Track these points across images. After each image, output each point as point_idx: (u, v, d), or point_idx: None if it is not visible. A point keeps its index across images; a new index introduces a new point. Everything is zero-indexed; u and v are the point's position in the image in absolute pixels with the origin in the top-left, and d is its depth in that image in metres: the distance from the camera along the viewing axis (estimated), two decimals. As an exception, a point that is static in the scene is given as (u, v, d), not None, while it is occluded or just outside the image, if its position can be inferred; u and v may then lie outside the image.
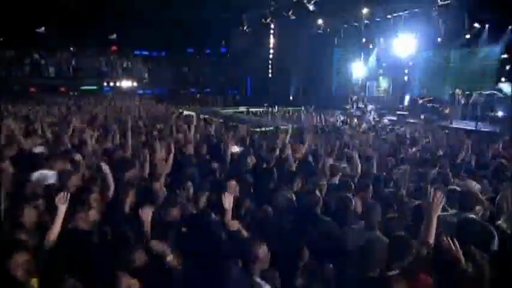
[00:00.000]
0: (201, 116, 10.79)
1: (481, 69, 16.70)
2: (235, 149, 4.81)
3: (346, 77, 21.86)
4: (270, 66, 21.86)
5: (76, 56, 21.94)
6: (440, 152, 7.53)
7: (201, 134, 6.56)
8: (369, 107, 15.86)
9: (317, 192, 2.83)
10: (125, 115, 8.44)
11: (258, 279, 2.03)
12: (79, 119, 7.00)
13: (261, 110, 17.63)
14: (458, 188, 4.38)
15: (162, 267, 2.10)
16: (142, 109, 12.10)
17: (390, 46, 19.27)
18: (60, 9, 18.48)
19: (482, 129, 12.65)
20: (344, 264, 2.32)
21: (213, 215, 2.59)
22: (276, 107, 17.18)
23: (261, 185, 3.55)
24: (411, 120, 14.74)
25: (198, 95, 25.19)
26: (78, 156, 3.88)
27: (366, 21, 16.73)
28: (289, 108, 17.58)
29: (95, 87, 21.98)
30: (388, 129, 11.60)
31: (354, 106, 19.17)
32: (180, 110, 13.76)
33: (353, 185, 3.70)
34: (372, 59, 21.05)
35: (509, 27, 14.99)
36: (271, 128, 9.50)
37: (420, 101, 17.33)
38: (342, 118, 14.37)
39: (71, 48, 21.84)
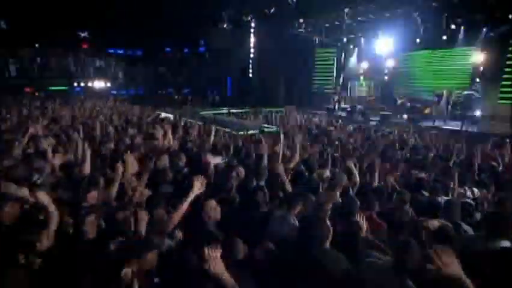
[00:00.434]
0: (179, 119, 10.08)
1: (457, 70, 17.00)
2: (217, 160, 4.17)
3: (327, 77, 21.71)
4: (250, 66, 21.29)
5: (42, 54, 20.31)
6: (431, 155, 7.26)
7: (179, 141, 5.88)
8: (358, 107, 15.55)
9: (324, 218, 2.27)
10: (93, 119, 7.60)
11: None
12: (39, 124, 6.14)
13: (243, 111, 17.05)
14: (469, 200, 4.03)
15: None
16: (115, 112, 11.20)
17: (371, 46, 19.39)
18: (25, 2, 17.01)
19: (467, 129, 12.73)
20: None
21: (194, 257, 1.96)
22: (258, 108, 16.67)
23: (250, 206, 2.96)
24: (395, 121, 14.65)
25: (177, 96, 24.26)
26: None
27: (348, 21, 16.49)
28: (272, 109, 17.12)
29: (64, 88, 20.51)
30: (373, 130, 11.34)
31: (337, 106, 19.01)
32: (157, 113, 12.95)
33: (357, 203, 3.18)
34: (353, 59, 21.04)
35: (484, 29, 15.22)
36: (255, 131, 8.93)
37: (399, 101, 17.41)
38: (325, 119, 14.04)
39: (36, 45, 20.20)
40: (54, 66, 20.26)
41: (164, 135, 5.63)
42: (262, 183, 3.64)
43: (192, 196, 2.54)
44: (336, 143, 7.49)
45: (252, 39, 20.53)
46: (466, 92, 15.50)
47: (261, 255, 2.08)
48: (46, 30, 17.80)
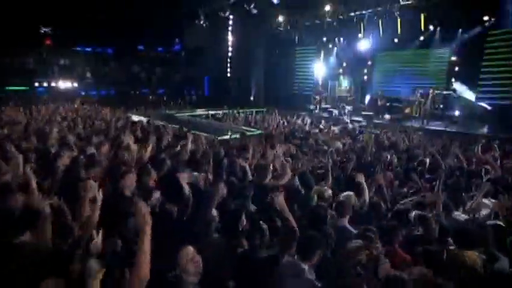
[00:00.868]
0: (152, 122, 9.20)
1: (434, 70, 17.10)
2: (194, 177, 3.43)
3: (307, 77, 21.35)
4: (229, 65, 20.51)
5: (-1, 50, 18.32)
6: (427, 159, 6.87)
7: (151, 150, 5.06)
8: (347, 108, 15.15)
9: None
10: (52, 125, 6.61)
11: None
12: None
13: (222, 112, 16.27)
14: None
15: None
16: (81, 115, 10.14)
17: (351, 45, 19.22)
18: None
19: (450, 130, 12.66)
20: None
21: None
22: (238, 109, 15.96)
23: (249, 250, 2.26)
24: (378, 121, 14.43)
25: (151, 97, 23.06)
26: None
27: (328, 19, 16.12)
28: (252, 110, 16.49)
29: (24, 88, 18.76)
30: (358, 132, 10.96)
31: (318, 106, 18.65)
32: (128, 115, 11.95)
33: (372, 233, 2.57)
34: (333, 58, 20.80)
35: (460, 30, 15.33)
36: (236, 135, 8.22)
37: (380, 102, 17.31)
38: (309, 120, 13.54)
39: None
40: (12, 64, 18.30)
41: (136, 143, 4.83)
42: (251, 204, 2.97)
43: (146, 241, 1.79)
44: (326, 147, 6.94)
45: (230, 37, 19.74)
46: (445, 92, 15.59)
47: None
48: (4, 25, 16.12)
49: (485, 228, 2.74)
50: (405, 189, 4.75)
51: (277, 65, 20.50)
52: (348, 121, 13.16)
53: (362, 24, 16.63)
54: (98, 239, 1.97)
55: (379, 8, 14.32)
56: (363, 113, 15.40)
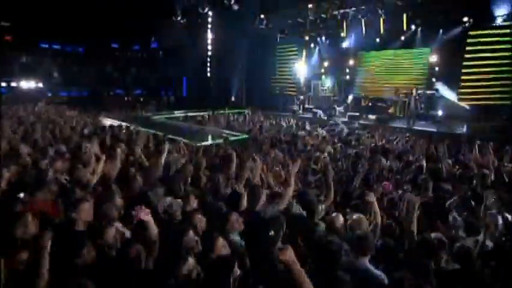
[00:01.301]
0: (124, 127, 8.30)
1: (415, 70, 17.07)
2: (167, 202, 2.70)
3: (290, 77, 20.85)
4: (208, 64, 19.66)
5: None
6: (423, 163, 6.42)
7: (120, 163, 4.24)
8: (338, 109, 14.69)
9: None
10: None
11: None
12: None
13: (202, 113, 15.45)
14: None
15: None
16: (45, 119, 9.07)
17: (333, 44, 18.92)
18: None
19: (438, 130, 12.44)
20: None
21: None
22: (219, 111, 15.21)
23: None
24: (364, 122, 14.06)
25: (126, 98, 21.84)
26: None
27: (311, 18, 15.63)
28: (234, 111, 15.81)
29: (-18, 88, 16.99)
30: (345, 134, 10.49)
31: (301, 107, 18.19)
32: (99, 119, 10.96)
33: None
34: (315, 57, 20.42)
35: (440, 30, 15.33)
36: (219, 140, 7.51)
37: (364, 102, 17.09)
38: (294, 122, 13.00)
39: None
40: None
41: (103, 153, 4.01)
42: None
43: None
44: (318, 154, 6.34)
45: (210, 35, 18.88)
46: (429, 92, 15.49)
47: None
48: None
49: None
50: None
51: (259, 64, 19.88)
52: (340, 123, 12.66)
53: (345, 23, 16.34)
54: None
55: (363, 7, 13.97)
56: (348, 113, 15.03)
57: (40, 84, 18.69)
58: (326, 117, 14.17)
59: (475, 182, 5.51)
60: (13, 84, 17.95)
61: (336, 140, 8.76)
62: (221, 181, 3.46)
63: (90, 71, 21.83)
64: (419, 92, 15.63)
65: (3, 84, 17.55)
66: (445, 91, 15.59)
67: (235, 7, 14.14)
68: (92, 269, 2.01)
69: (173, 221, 2.57)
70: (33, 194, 3.07)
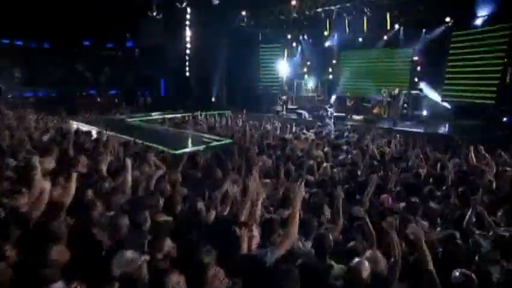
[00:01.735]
0: (91, 131, 7.37)
1: (399, 69, 17.03)
2: (131, 254, 1.91)
3: (273, 76, 20.28)
4: (187, 63, 18.69)
5: None
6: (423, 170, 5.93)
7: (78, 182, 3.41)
8: (329, 110, 14.17)
9: None
10: None
11: None
12: None
13: (180, 115, 14.56)
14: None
15: None
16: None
17: (316, 43, 18.58)
18: None
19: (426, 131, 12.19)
20: None
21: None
22: (199, 112, 14.36)
23: None
24: (350, 123, 13.66)
25: (99, 99, 20.51)
26: None
27: (294, 15, 15.07)
28: (214, 112, 15.01)
29: None
30: (333, 136, 9.95)
31: (284, 107, 17.65)
32: (66, 122, 9.89)
33: None
34: (297, 56, 19.98)
35: (423, 30, 15.21)
36: (200, 147, 6.74)
37: (349, 102, 16.82)
38: (279, 124, 12.34)
39: None
40: None
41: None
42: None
43: None
44: (312, 162, 5.69)
45: (188, 32, 17.93)
46: (413, 92, 15.36)
47: None
48: None
49: None
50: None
51: (241, 63, 19.21)
52: (333, 126, 12.10)
53: (328, 22, 15.97)
54: None
55: (348, 4, 13.53)
56: (334, 114, 14.60)
57: (-1, 85, 17.02)
58: (317, 119, 13.56)
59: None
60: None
61: (325, 144, 8.19)
62: (201, 208, 2.74)
63: (59, 70, 20.31)
64: (404, 91, 15.54)
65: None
66: (429, 91, 15.57)
67: (215, 2, 13.31)
68: None
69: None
70: None
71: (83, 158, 4.32)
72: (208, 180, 4.14)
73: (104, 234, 2.36)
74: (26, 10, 16.33)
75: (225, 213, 2.73)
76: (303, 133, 9.65)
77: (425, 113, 15.15)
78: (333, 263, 2.24)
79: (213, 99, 20.02)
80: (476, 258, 2.73)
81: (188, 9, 17.38)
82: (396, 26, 15.60)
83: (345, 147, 7.26)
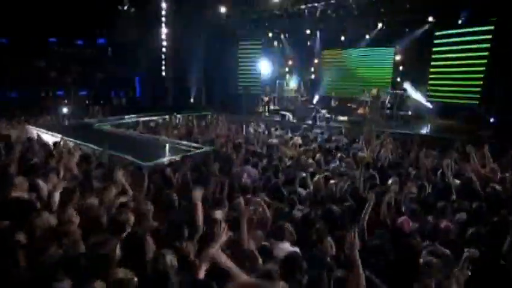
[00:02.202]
0: (46, 141, 6.34)
1: (381, 69, 16.82)
2: None
3: (254, 75, 19.54)
4: (163, 62, 17.62)
5: None
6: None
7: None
8: (322, 112, 13.55)
9: None
10: None
11: None
12: None
13: (156, 118, 13.55)
14: None
15: None
16: None
17: (298, 42, 18.09)
18: None
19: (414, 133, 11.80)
20: None
21: None
22: (175, 114, 13.42)
23: None
24: (335, 124, 13.12)
25: (67, 101, 19.02)
26: None
27: (277, 12, 14.39)
28: (193, 114, 14.11)
29: None
30: (320, 139, 9.32)
31: (267, 109, 16.95)
32: (23, 129, 8.72)
33: None
34: (279, 55, 19.38)
35: (406, 29, 15.03)
36: (176, 156, 5.88)
37: (334, 102, 16.40)
38: (262, 127, 11.63)
39: None
40: None
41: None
42: None
43: None
44: (304, 175, 4.98)
45: (164, 29, 16.85)
46: (398, 91, 15.10)
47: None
48: None
49: None
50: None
51: (220, 62, 18.39)
52: (325, 129, 11.48)
53: (310, 20, 15.47)
54: None
55: (332, 1, 13.00)
56: (319, 115, 14.04)
57: None
58: (310, 121, 12.93)
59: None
60: None
61: (315, 150, 7.53)
62: (173, 265, 1.95)
63: (20, 68, 18.56)
64: (387, 91, 15.28)
65: None
66: (412, 91, 15.41)
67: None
68: None
69: None
70: None
71: (22, 179, 3.39)
72: (186, 207, 3.34)
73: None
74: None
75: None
76: (290, 137, 8.96)
77: (409, 113, 14.94)
78: None
79: (191, 100, 19.03)
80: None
81: (164, 4, 16.32)
82: (380, 25, 15.36)
83: (338, 155, 6.61)
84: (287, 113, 14.87)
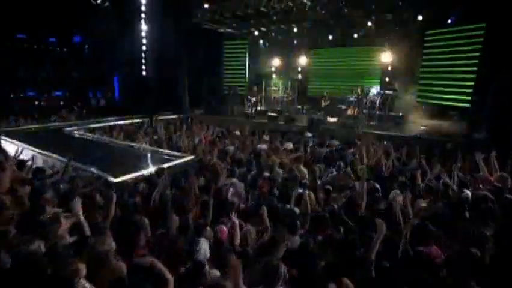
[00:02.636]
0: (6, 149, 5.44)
1: (370, 69, 16.58)
2: None
3: (239, 75, 18.84)
4: (143, 61, 16.65)
5: None
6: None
7: None
8: (319, 114, 12.91)
9: None
10: None
11: None
12: None
13: (136, 121, 12.65)
14: None
15: None
16: None
17: (284, 40, 17.54)
18: None
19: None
20: None
21: None
22: (156, 117, 12.55)
23: None
24: (325, 126, 12.56)
25: (38, 102, 17.76)
26: None
27: (263, 9, 13.70)
28: (174, 116, 13.31)
29: None
30: (311, 143, 8.70)
31: (253, 110, 16.27)
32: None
33: None
34: (265, 55, 18.78)
35: (396, 28, 14.84)
36: (151, 169, 5.10)
37: (325, 102, 15.89)
38: (248, 128, 10.91)
39: None
40: None
41: None
42: None
43: None
44: (301, 191, 4.30)
45: (144, 26, 15.90)
46: (388, 92, 14.72)
47: None
48: None
49: None
50: None
51: (204, 61, 17.61)
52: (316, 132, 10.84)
53: (298, 17, 14.90)
54: None
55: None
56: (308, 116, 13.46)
57: None
58: (310, 123, 12.30)
59: None
60: None
61: (309, 156, 6.90)
62: None
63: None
64: (380, 91, 14.94)
65: None
66: (402, 91, 15.13)
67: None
68: None
69: None
70: None
71: None
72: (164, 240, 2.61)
73: None
74: None
75: None
76: (281, 142, 8.28)
77: (400, 114, 14.59)
78: None
79: (174, 101, 18.10)
80: None
81: (143, 1, 15.37)
82: (369, 24, 14.99)
83: (336, 163, 5.96)
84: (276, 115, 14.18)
